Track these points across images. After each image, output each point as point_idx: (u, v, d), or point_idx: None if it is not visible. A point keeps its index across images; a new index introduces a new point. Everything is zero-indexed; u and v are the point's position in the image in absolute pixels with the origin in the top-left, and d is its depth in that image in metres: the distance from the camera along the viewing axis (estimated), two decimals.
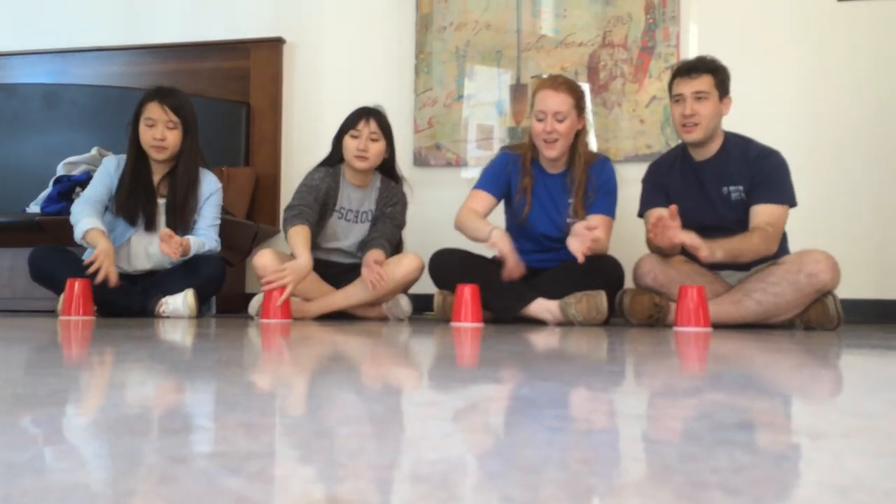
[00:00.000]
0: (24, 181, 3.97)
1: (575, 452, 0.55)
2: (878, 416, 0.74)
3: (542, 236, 2.85)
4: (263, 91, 4.00)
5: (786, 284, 2.50)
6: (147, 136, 2.87)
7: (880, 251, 3.44)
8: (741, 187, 2.63)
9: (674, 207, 2.44)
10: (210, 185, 2.99)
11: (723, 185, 2.66)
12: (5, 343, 1.51)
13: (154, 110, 2.87)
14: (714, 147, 2.69)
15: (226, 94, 4.02)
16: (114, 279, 2.68)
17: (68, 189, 3.51)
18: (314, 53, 4.02)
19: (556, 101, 2.73)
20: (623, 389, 0.97)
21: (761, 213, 2.58)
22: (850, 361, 1.46)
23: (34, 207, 3.63)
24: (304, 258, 2.67)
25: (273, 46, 4.01)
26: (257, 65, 4.02)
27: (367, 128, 2.86)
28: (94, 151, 3.78)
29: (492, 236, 2.65)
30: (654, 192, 2.78)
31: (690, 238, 2.40)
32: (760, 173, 2.61)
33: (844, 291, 2.65)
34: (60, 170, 3.72)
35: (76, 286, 2.61)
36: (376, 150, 2.88)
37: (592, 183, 2.79)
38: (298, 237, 2.73)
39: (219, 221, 3.02)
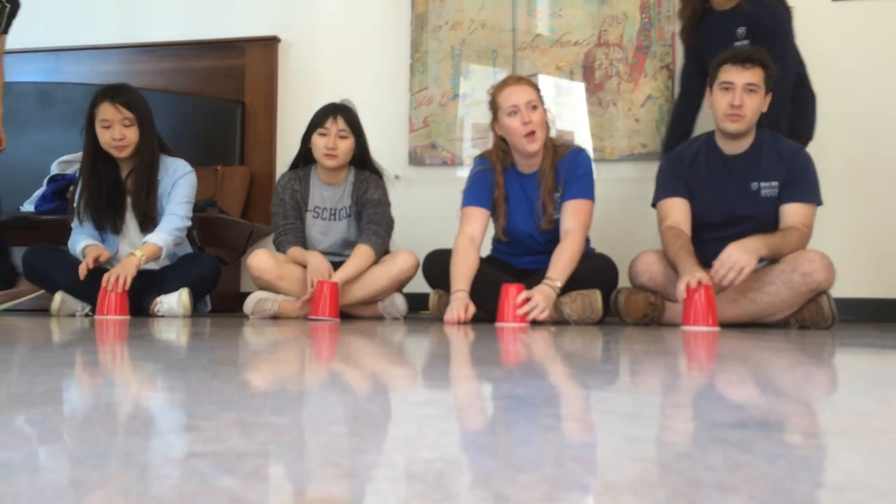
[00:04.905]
0: (18, 180, 3.95)
1: (570, 451, 0.55)
2: (872, 415, 0.75)
3: (527, 237, 2.81)
4: (258, 90, 3.99)
5: (780, 284, 2.51)
6: (106, 137, 2.81)
7: (874, 250, 3.45)
8: (775, 183, 2.60)
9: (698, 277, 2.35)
10: (178, 170, 2.91)
11: (753, 179, 2.62)
12: (0, 342, 1.50)
13: (107, 111, 2.80)
14: (747, 141, 2.64)
15: (221, 93, 4.01)
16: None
17: (62, 188, 3.50)
18: (309, 52, 4.02)
19: (524, 93, 2.67)
20: (618, 388, 0.97)
21: (797, 213, 2.56)
22: (845, 360, 1.47)
23: (28, 206, 3.61)
24: (315, 256, 2.81)
25: (268, 45, 4.00)
26: (252, 64, 4.01)
27: (336, 125, 2.84)
28: None
29: (451, 306, 2.53)
30: (674, 181, 2.69)
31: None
32: (795, 170, 2.58)
33: (839, 291, 2.65)
34: (54, 168, 3.71)
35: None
36: (345, 147, 2.86)
37: (561, 177, 2.72)
38: (298, 252, 2.85)
39: (188, 201, 2.91)
